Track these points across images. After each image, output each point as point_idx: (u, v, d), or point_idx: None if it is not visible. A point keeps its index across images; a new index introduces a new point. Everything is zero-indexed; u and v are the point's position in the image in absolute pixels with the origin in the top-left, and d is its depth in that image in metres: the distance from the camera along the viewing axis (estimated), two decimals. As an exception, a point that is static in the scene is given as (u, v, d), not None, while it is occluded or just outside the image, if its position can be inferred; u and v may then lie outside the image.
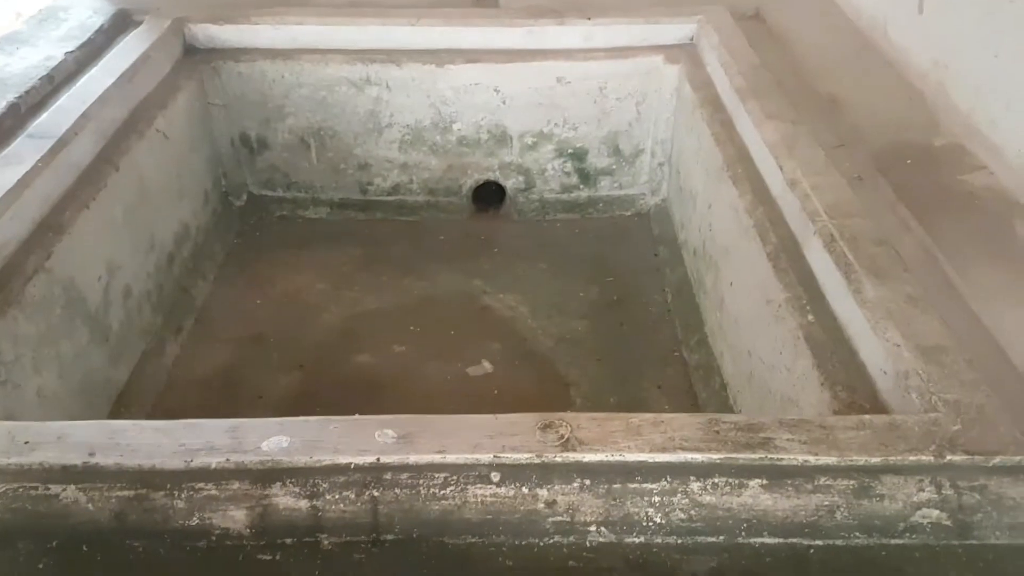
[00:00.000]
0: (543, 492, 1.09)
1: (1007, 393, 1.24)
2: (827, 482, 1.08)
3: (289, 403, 2.15)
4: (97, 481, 1.09)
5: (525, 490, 1.09)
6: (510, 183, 2.89)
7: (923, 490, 1.07)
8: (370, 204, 2.91)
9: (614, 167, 2.86)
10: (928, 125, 2.04)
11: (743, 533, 1.06)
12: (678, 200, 2.68)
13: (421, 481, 1.09)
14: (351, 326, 2.45)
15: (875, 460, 1.09)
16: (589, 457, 1.11)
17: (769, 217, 1.82)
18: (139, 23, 2.57)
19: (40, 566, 1.05)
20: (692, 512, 1.07)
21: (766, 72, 2.25)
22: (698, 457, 1.10)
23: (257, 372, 2.25)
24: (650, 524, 1.07)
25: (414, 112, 2.72)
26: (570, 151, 2.82)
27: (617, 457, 1.11)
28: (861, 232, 1.57)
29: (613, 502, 1.08)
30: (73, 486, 1.08)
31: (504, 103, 2.71)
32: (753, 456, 1.09)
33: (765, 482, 1.08)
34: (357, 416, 1.19)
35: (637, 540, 1.07)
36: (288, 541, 1.07)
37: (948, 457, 1.09)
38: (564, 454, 1.11)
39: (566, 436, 1.13)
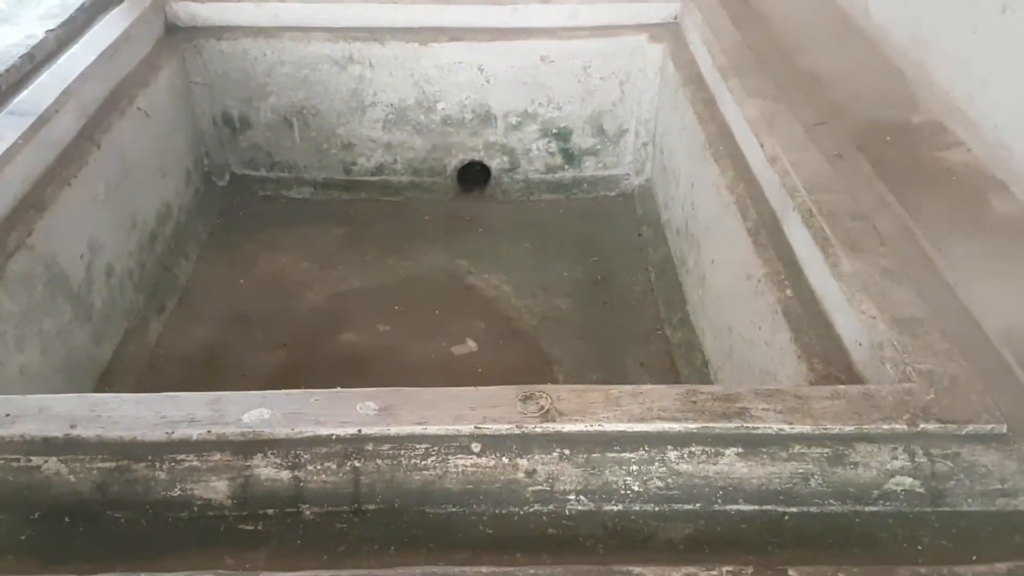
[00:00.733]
0: (523, 462, 1.10)
1: (980, 363, 1.26)
2: (801, 450, 1.09)
3: (273, 381, 2.16)
4: (79, 453, 1.09)
5: (505, 460, 1.10)
6: (495, 163, 2.89)
7: (896, 458, 1.09)
8: (354, 184, 2.91)
9: (598, 147, 2.87)
10: (907, 102, 2.06)
11: (719, 500, 1.08)
12: (662, 180, 2.69)
13: (402, 452, 1.10)
14: (335, 305, 2.45)
15: (849, 429, 1.11)
16: (568, 427, 1.12)
17: (750, 194, 1.83)
18: (120, 1, 2.55)
19: (23, 537, 1.06)
20: (669, 480, 1.09)
21: (748, 50, 2.26)
22: (675, 427, 1.11)
23: (240, 351, 2.26)
24: (628, 492, 1.09)
25: (397, 91, 2.72)
26: (554, 131, 2.82)
27: (596, 427, 1.12)
28: (839, 207, 1.58)
29: (592, 471, 1.09)
30: (55, 458, 1.08)
31: (488, 82, 2.71)
32: (729, 425, 1.11)
33: (741, 450, 1.09)
34: (338, 389, 1.19)
35: (615, 508, 1.08)
36: (270, 511, 1.08)
37: (921, 426, 1.11)
38: (544, 425, 1.12)
39: (546, 407, 1.14)
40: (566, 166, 2.91)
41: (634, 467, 1.09)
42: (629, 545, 1.05)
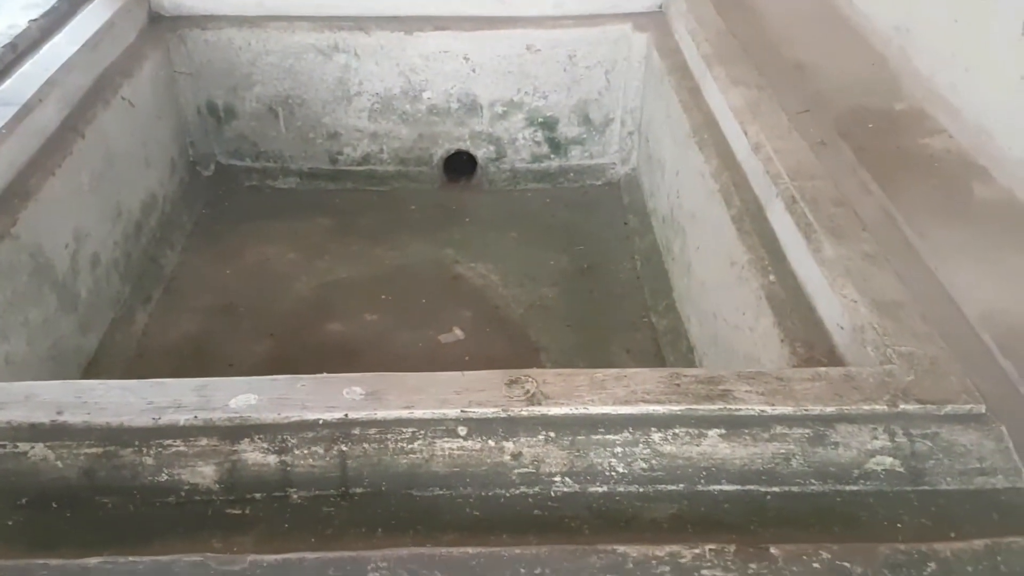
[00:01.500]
0: (509, 445, 1.11)
1: (960, 346, 1.28)
2: (783, 431, 1.11)
3: (260, 371, 2.09)
4: (65, 439, 1.09)
5: (491, 443, 1.11)
6: (481, 153, 2.89)
7: (877, 438, 1.10)
8: (340, 174, 2.90)
9: (584, 136, 2.87)
10: (890, 90, 2.07)
11: (702, 481, 1.09)
12: (647, 169, 2.70)
13: (389, 436, 1.11)
14: (322, 295, 2.45)
15: (830, 410, 1.12)
16: (554, 410, 1.13)
17: (734, 181, 1.85)
18: (103, -11, 2.53)
19: (10, 523, 1.06)
20: (653, 461, 1.10)
21: (733, 39, 2.27)
22: (659, 409, 1.13)
23: (227, 341, 2.26)
24: (613, 474, 1.10)
25: (383, 80, 2.72)
26: (540, 120, 2.83)
27: (581, 410, 1.13)
28: (822, 194, 1.60)
29: (577, 453, 1.10)
30: (41, 444, 1.09)
31: (474, 71, 2.71)
32: (712, 407, 1.12)
33: (723, 432, 1.11)
34: (325, 375, 1.20)
35: (600, 489, 1.10)
36: (257, 496, 1.08)
37: (901, 406, 1.13)
38: (530, 408, 1.13)
39: (532, 391, 1.15)
40: (552, 155, 2.91)
41: (619, 449, 1.11)
42: (614, 525, 1.06)
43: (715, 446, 1.10)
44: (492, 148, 2.88)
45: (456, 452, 1.10)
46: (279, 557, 0.98)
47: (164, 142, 2.60)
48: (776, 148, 1.75)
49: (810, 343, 1.39)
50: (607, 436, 1.11)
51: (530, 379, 1.17)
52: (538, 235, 2.71)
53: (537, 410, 1.13)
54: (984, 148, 1.78)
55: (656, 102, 2.56)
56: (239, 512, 1.08)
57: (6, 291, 1.71)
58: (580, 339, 2.29)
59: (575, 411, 1.13)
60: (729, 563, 0.96)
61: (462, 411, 1.13)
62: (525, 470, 1.10)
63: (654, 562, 0.96)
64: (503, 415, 1.13)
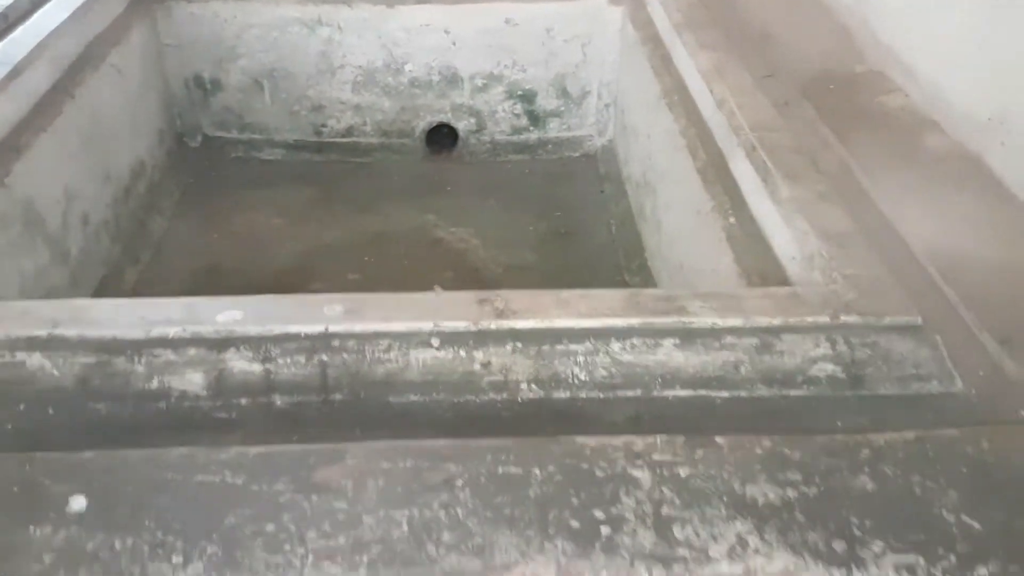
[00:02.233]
0: (479, 355, 1.19)
1: (905, 274, 1.37)
2: (733, 341, 1.19)
3: None
4: (61, 349, 1.16)
5: (463, 353, 1.19)
6: (462, 125, 2.97)
7: (819, 346, 1.19)
8: (324, 146, 2.97)
9: (562, 109, 2.96)
10: (852, 56, 2.16)
11: (658, 386, 1.17)
12: (622, 138, 2.78)
13: (367, 347, 1.19)
14: (306, 258, 2.52)
15: (776, 321, 1.21)
16: (521, 324, 1.21)
17: (700, 137, 1.93)
18: (92, -38, 2.59)
19: (9, 426, 1.13)
20: (613, 369, 1.18)
21: (703, 9, 2.36)
22: (619, 322, 1.21)
23: (214, 299, 2.32)
24: (575, 381, 1.18)
25: (366, 53, 2.79)
26: (520, 93, 2.91)
27: (546, 324, 1.21)
28: (781, 143, 1.68)
29: (542, 362, 1.18)
30: (39, 353, 1.16)
31: (455, 44, 2.78)
32: (667, 320, 1.21)
33: (678, 342, 1.19)
34: (307, 295, 1.28)
35: (564, 395, 1.17)
36: (243, 401, 1.15)
37: (843, 318, 1.21)
38: (498, 322, 1.21)
39: (501, 308, 1.23)
40: (531, 128, 2.99)
41: (580, 358, 1.19)
42: (576, 426, 1.13)
43: (670, 355, 1.18)
44: (473, 120, 2.96)
45: (430, 361, 1.18)
46: (264, 448, 1.06)
47: (152, 112, 2.66)
48: (740, 104, 1.84)
49: (765, 275, 1.47)
50: (570, 347, 1.19)
51: (500, 298, 1.26)
52: (517, 203, 2.79)
53: (505, 323, 1.21)
54: (936, 105, 1.87)
55: (631, 73, 2.64)
56: (226, 416, 1.15)
57: (0, 240, 1.78)
58: (556, 298, 2.36)
59: (541, 325, 1.21)
60: (678, 449, 1.04)
61: (435, 324, 1.20)
62: (494, 378, 1.18)
63: (609, 449, 1.04)
64: (474, 328, 1.21)
